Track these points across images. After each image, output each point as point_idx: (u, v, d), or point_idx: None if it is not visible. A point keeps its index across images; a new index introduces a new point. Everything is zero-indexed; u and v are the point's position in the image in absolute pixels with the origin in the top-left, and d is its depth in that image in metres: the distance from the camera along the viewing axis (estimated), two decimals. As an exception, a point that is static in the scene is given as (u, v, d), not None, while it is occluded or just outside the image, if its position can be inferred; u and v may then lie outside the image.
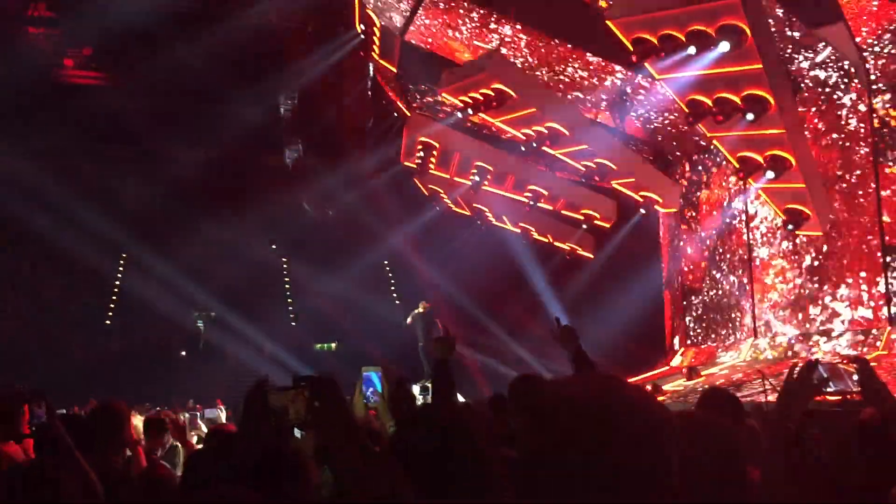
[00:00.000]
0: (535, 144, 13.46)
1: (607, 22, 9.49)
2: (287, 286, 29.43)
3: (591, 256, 17.93)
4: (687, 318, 17.51)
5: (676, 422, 1.38)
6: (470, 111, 13.00)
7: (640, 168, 14.68)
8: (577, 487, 1.30)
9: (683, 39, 8.86)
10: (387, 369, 5.79)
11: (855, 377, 3.73)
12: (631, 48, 9.36)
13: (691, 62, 9.10)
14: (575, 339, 4.53)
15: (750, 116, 9.50)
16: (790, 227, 11.68)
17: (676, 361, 17.07)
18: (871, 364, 3.93)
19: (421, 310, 16.92)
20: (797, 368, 3.12)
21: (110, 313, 27.29)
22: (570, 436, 1.33)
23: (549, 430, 1.36)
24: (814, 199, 11.22)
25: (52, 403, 3.22)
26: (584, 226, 16.34)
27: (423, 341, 16.59)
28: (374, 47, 16.65)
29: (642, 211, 15.03)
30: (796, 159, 10.32)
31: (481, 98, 12.65)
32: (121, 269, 28.30)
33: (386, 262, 29.56)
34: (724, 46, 8.59)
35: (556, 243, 18.07)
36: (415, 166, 16.26)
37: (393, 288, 29.76)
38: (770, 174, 10.39)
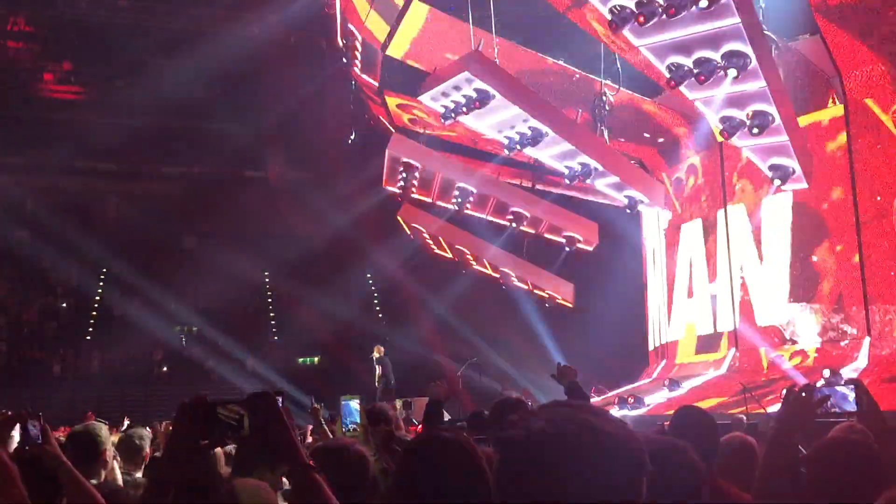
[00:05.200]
0: (518, 147, 13.29)
1: None
2: (270, 301, 29.32)
3: (571, 305, 17.61)
4: (668, 329, 17.56)
5: (646, 446, 1.41)
6: (452, 115, 12.83)
7: (625, 167, 14.40)
8: None
9: (661, 3, 8.86)
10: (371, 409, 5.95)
11: (851, 398, 3.78)
12: (609, 16, 9.33)
13: (669, 25, 9.13)
14: (571, 375, 5.24)
15: (732, 72, 9.49)
16: (777, 182, 11.67)
17: (657, 373, 17.10)
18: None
19: (376, 354, 18.66)
20: (795, 390, 3.15)
21: (90, 329, 27.01)
22: (532, 469, 1.37)
23: (513, 464, 1.39)
24: (798, 152, 11.24)
25: (45, 424, 3.11)
26: (568, 248, 16.11)
27: (378, 383, 18.40)
28: (356, 62, 16.66)
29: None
30: (779, 113, 10.32)
31: (462, 100, 12.52)
32: (101, 286, 28.06)
33: (369, 277, 29.55)
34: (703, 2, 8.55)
35: (536, 290, 17.79)
36: (397, 190, 16.08)
37: (377, 303, 29.73)
38: (755, 130, 10.40)
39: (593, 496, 1.33)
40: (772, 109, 10.33)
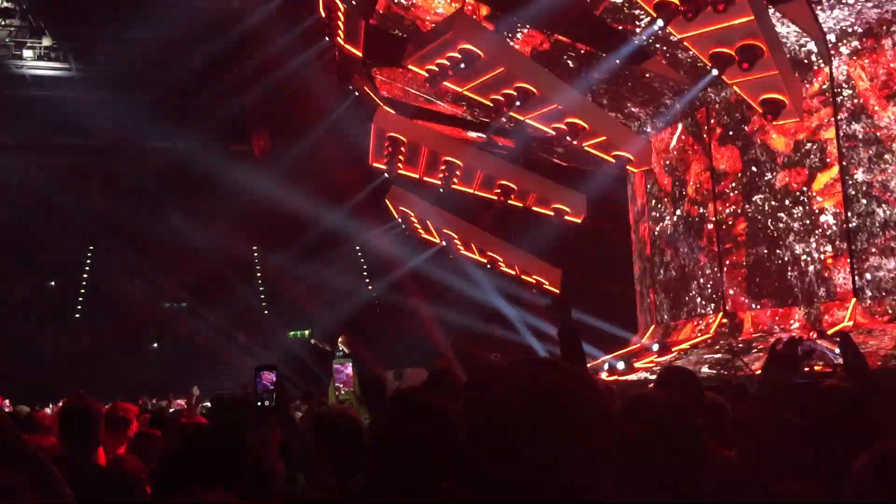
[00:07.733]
0: (505, 109, 13.07)
1: None
2: (258, 274, 29.27)
3: (557, 291, 17.44)
4: (656, 293, 17.62)
5: (628, 403, 1.43)
6: (437, 79, 12.62)
7: (612, 125, 14.17)
8: (510, 472, 1.36)
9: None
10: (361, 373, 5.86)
11: (837, 351, 3.76)
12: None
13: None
14: (562, 317, 4.36)
15: (719, 6, 9.40)
16: (768, 117, 11.60)
17: (647, 338, 17.18)
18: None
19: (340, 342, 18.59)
20: (780, 344, 3.15)
21: (79, 307, 26.95)
22: (498, 422, 1.39)
23: (477, 425, 1.42)
24: (788, 86, 11.16)
25: None
26: (556, 220, 15.97)
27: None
28: (339, 31, 16.45)
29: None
30: (767, 46, 10.24)
31: (448, 63, 12.31)
32: (88, 263, 27.94)
33: (358, 249, 29.49)
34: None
35: (523, 276, 17.61)
36: (384, 167, 15.89)
37: (366, 274, 29.72)
38: (745, 65, 10.31)
39: (556, 453, 1.36)
40: (760, 43, 10.23)
